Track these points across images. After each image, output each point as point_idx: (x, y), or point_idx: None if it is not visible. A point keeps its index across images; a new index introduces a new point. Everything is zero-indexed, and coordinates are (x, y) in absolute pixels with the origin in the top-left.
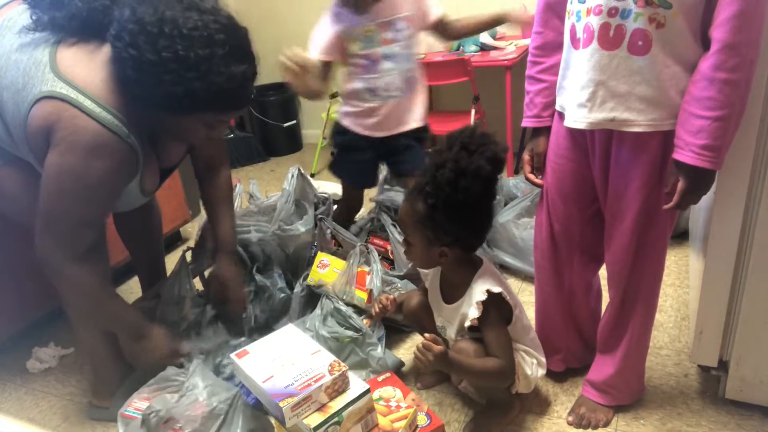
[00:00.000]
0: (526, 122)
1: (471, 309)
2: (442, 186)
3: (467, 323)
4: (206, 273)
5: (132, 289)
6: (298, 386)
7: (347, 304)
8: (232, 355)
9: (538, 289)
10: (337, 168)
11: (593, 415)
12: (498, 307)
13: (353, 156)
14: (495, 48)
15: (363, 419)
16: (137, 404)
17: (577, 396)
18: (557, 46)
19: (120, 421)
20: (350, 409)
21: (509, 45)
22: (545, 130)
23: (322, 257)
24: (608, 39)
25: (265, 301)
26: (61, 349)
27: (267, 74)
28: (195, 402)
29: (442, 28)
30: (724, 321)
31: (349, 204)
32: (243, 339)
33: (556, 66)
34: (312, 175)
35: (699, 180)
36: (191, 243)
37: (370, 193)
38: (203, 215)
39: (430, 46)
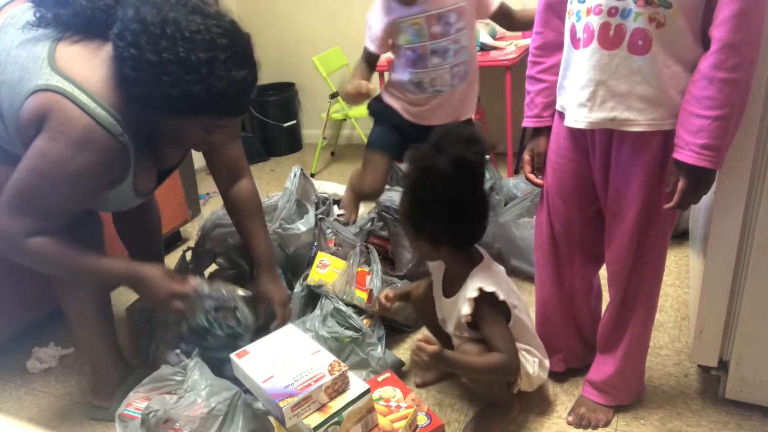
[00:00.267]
0: (527, 122)
1: (464, 305)
2: (412, 183)
3: (462, 320)
4: (206, 273)
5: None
6: (298, 386)
7: (347, 304)
8: (232, 355)
9: (538, 289)
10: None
11: (593, 415)
12: (492, 305)
13: (389, 123)
14: (495, 48)
15: (363, 419)
16: (136, 404)
17: (577, 396)
18: (557, 46)
19: (119, 421)
20: (350, 409)
21: (509, 45)
22: (546, 130)
23: (322, 257)
24: (608, 39)
25: None
26: (61, 349)
27: (267, 74)
28: (194, 403)
29: (504, 17)
30: (724, 321)
31: (366, 179)
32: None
33: (556, 66)
34: (312, 175)
35: (699, 179)
36: (191, 243)
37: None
38: (203, 215)
39: None
